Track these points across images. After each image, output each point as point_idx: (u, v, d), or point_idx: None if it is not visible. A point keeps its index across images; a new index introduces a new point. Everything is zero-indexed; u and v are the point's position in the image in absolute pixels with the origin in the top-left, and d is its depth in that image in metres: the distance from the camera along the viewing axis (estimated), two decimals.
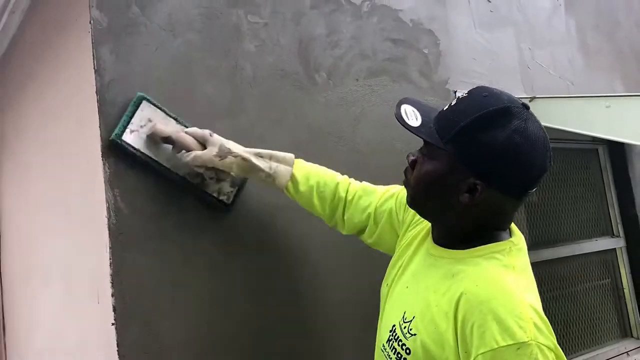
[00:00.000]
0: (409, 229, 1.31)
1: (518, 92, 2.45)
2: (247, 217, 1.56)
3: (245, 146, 1.44)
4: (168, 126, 1.40)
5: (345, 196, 1.45)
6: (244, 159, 1.39)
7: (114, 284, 1.31)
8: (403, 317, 1.10)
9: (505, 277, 1.00)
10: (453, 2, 2.31)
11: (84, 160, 1.46)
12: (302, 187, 1.44)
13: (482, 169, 1.01)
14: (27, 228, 1.95)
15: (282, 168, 1.43)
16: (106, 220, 1.33)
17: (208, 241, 1.48)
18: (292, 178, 1.43)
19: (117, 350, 1.29)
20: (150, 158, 1.38)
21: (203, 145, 1.39)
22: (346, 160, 1.79)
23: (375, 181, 1.50)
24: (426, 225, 1.24)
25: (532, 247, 2.45)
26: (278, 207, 1.61)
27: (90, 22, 1.37)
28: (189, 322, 1.41)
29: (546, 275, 2.58)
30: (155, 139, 1.39)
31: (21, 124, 1.90)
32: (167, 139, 1.38)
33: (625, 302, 2.97)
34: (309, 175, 1.46)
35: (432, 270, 1.12)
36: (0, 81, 2.14)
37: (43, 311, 1.81)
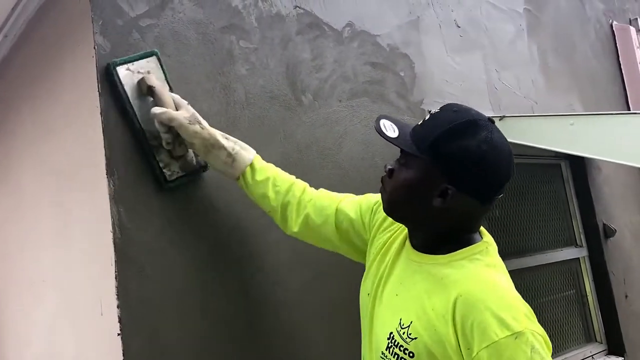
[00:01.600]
0: (378, 233, 1.39)
1: (487, 111, 2.61)
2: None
3: None
4: (159, 82, 1.48)
5: (301, 195, 1.50)
6: (210, 134, 1.44)
7: (119, 295, 1.37)
8: (400, 323, 1.16)
9: (492, 276, 1.12)
10: (426, 28, 2.46)
11: (86, 177, 1.52)
12: (259, 177, 1.49)
13: (454, 174, 1.13)
14: (19, 242, 1.98)
15: (243, 153, 1.48)
16: (111, 235, 1.39)
17: (207, 251, 1.56)
18: (252, 165, 1.49)
19: None
20: (127, 98, 1.45)
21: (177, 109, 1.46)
22: (331, 175, 1.91)
23: (358, 194, 1.58)
24: (400, 232, 1.32)
25: (501, 257, 2.58)
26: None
27: (94, 47, 1.44)
28: (194, 332, 1.48)
29: (515, 285, 2.71)
30: (142, 87, 1.46)
31: (14, 142, 1.94)
32: (151, 90, 1.45)
33: (589, 309, 3.14)
34: (267, 167, 1.53)
35: (418, 276, 1.20)
36: None
37: (37, 325, 1.83)
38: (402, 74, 2.28)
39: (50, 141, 1.70)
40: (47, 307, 1.77)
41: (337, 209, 1.48)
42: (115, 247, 1.39)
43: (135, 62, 1.47)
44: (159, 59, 1.52)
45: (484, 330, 1.01)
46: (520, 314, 1.03)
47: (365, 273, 1.39)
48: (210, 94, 1.64)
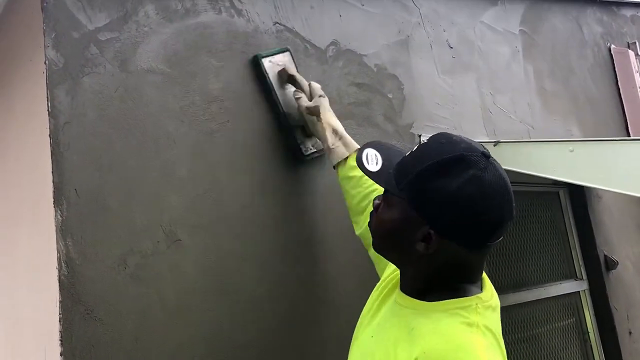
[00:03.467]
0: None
1: (481, 136, 2.48)
2: None
3: None
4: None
5: None
6: (322, 127, 1.61)
7: (63, 341, 1.21)
8: None
9: (464, 335, 0.96)
10: (416, 48, 2.34)
11: (33, 206, 1.37)
12: (350, 173, 1.54)
13: (435, 217, 1.00)
14: None
15: (340, 150, 1.59)
16: (57, 272, 1.23)
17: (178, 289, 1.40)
18: (344, 161, 1.57)
19: None
20: (273, 87, 1.68)
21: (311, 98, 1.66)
22: (321, 199, 1.77)
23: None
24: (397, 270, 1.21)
25: (497, 291, 2.43)
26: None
27: (45, 63, 1.31)
28: None
29: (512, 320, 2.56)
30: (282, 77, 1.70)
31: None
32: (292, 78, 1.70)
33: (591, 346, 2.97)
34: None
35: (394, 320, 1.09)
36: None
37: None
38: (390, 95, 2.14)
39: (1, 168, 1.55)
40: None
41: None
42: (60, 285, 1.23)
43: (275, 56, 1.71)
44: (291, 55, 1.76)
45: None
46: None
47: (364, 307, 1.27)
48: (176, 115, 1.50)
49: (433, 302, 1.03)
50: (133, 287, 1.34)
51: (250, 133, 1.65)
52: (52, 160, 1.27)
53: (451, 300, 1.02)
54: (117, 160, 1.37)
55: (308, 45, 1.89)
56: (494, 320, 1.05)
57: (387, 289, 1.20)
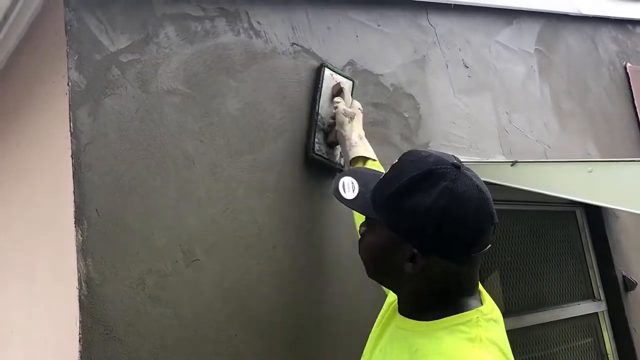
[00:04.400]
0: None
1: (497, 155, 2.47)
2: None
3: None
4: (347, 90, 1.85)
5: None
6: (351, 128, 1.69)
7: None
8: None
9: (468, 353, 0.94)
10: (432, 68, 2.34)
11: (53, 226, 1.38)
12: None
13: (414, 236, 0.99)
14: None
15: (360, 149, 1.64)
16: (77, 291, 1.24)
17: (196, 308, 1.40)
18: (360, 159, 1.62)
19: None
20: (320, 89, 1.80)
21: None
22: (338, 220, 1.77)
23: None
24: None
25: (512, 312, 2.42)
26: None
27: (68, 84, 1.33)
28: None
29: (529, 340, 2.52)
30: (333, 91, 1.83)
31: None
32: (341, 90, 1.81)
33: None
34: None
35: (396, 344, 1.07)
36: None
37: None
38: (406, 115, 2.15)
39: (22, 186, 1.57)
40: None
41: None
42: (80, 305, 1.24)
43: (338, 74, 1.85)
44: (353, 86, 1.89)
45: None
46: None
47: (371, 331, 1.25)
48: (196, 135, 1.51)
49: (432, 321, 1.01)
50: (151, 307, 1.34)
51: (268, 154, 1.66)
52: (73, 181, 1.29)
53: (451, 317, 1.00)
54: (137, 180, 1.38)
55: None
56: (498, 332, 1.03)
57: (387, 314, 1.19)
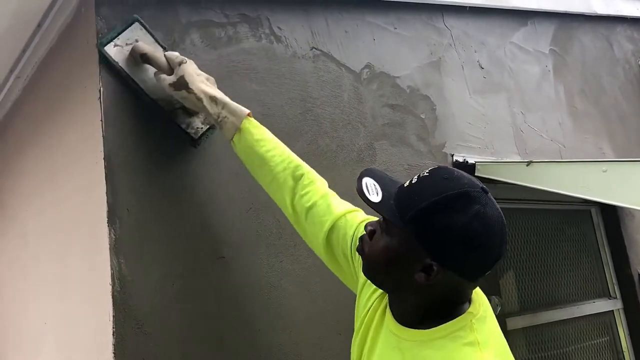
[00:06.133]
0: (365, 287, 1.26)
1: (512, 155, 2.50)
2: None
3: None
4: (149, 46, 1.43)
5: (302, 179, 1.35)
6: (197, 98, 1.38)
7: (116, 354, 1.28)
8: None
9: (471, 356, 0.99)
10: (447, 69, 2.38)
11: (86, 225, 1.45)
12: (256, 135, 1.37)
13: (439, 251, 1.00)
14: (20, 292, 1.90)
15: (229, 119, 1.38)
16: (110, 288, 1.30)
17: (218, 304, 1.45)
18: (240, 131, 1.37)
19: None
20: (128, 75, 1.40)
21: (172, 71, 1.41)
22: None
23: None
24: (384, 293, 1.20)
25: (527, 310, 2.45)
26: None
27: (99, 89, 1.39)
28: None
29: (544, 338, 2.55)
30: (135, 57, 1.41)
31: (21, 189, 1.89)
32: (144, 56, 1.41)
33: None
34: (263, 132, 1.39)
35: (396, 355, 1.09)
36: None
37: None
38: (423, 116, 2.19)
39: (53, 188, 1.64)
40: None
41: (344, 217, 1.32)
42: (113, 300, 1.30)
43: (120, 36, 1.41)
44: (141, 24, 1.45)
45: None
46: None
47: (354, 333, 1.26)
48: (222, 137, 1.57)
49: (431, 329, 1.04)
50: (179, 303, 1.40)
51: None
52: (106, 182, 1.35)
53: (447, 324, 1.03)
54: (167, 181, 1.44)
55: (344, 69, 1.95)
56: (490, 330, 1.07)
57: (377, 314, 1.19)
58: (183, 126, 1.48)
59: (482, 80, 2.54)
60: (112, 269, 1.31)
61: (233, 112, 1.39)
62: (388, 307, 1.16)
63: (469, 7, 2.55)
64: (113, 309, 1.30)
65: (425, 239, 1.01)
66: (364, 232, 1.14)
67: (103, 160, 1.36)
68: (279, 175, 1.36)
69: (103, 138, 1.37)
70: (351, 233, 1.29)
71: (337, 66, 1.93)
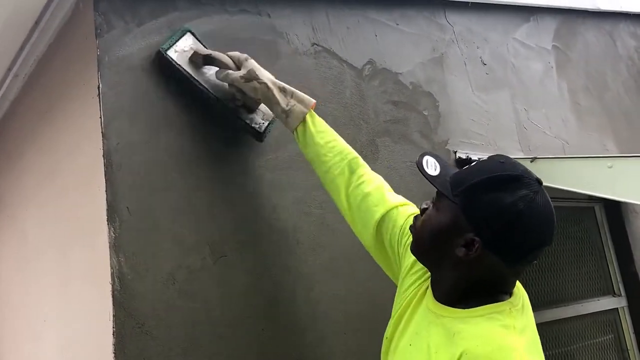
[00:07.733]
0: (408, 276, 1.29)
1: (516, 152, 2.48)
2: None
3: None
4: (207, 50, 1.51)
5: (358, 170, 1.42)
6: (268, 88, 1.43)
7: (116, 354, 1.26)
8: None
9: (505, 336, 1.02)
10: (450, 66, 2.36)
11: (87, 224, 1.43)
12: (319, 127, 1.44)
13: (482, 226, 1.05)
14: (20, 291, 1.89)
15: (298, 107, 1.44)
16: (110, 286, 1.28)
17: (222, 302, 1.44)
18: (305, 121, 1.44)
19: None
20: (192, 76, 1.46)
21: (239, 67, 1.47)
22: None
23: None
24: (426, 280, 1.24)
25: (531, 308, 2.41)
26: None
27: (98, 87, 1.37)
28: None
29: (548, 335, 2.53)
30: (196, 60, 1.48)
31: (20, 187, 1.87)
32: (207, 57, 1.47)
33: None
34: (323, 124, 1.46)
35: (433, 328, 1.12)
36: None
37: None
38: (425, 112, 2.17)
39: (53, 186, 1.62)
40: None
41: (397, 208, 1.37)
42: (113, 299, 1.28)
43: (177, 44, 1.48)
44: (192, 34, 1.52)
45: None
46: None
47: (390, 318, 1.30)
48: (225, 134, 1.55)
49: (469, 309, 1.08)
50: (181, 302, 1.38)
51: (290, 152, 1.69)
52: (105, 180, 1.33)
53: (486, 306, 1.07)
54: (167, 179, 1.42)
55: (345, 65, 1.93)
56: (527, 322, 1.10)
57: (417, 297, 1.23)
58: (248, 121, 1.54)
59: (484, 76, 2.52)
60: (112, 267, 1.29)
61: (301, 100, 1.45)
62: (430, 287, 1.20)
63: (471, 3, 2.53)
64: (113, 308, 1.28)
65: (471, 213, 1.05)
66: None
67: (102, 158, 1.34)
68: (336, 166, 1.42)
69: (102, 135, 1.35)
70: (401, 223, 1.34)
71: (338, 62, 1.91)
